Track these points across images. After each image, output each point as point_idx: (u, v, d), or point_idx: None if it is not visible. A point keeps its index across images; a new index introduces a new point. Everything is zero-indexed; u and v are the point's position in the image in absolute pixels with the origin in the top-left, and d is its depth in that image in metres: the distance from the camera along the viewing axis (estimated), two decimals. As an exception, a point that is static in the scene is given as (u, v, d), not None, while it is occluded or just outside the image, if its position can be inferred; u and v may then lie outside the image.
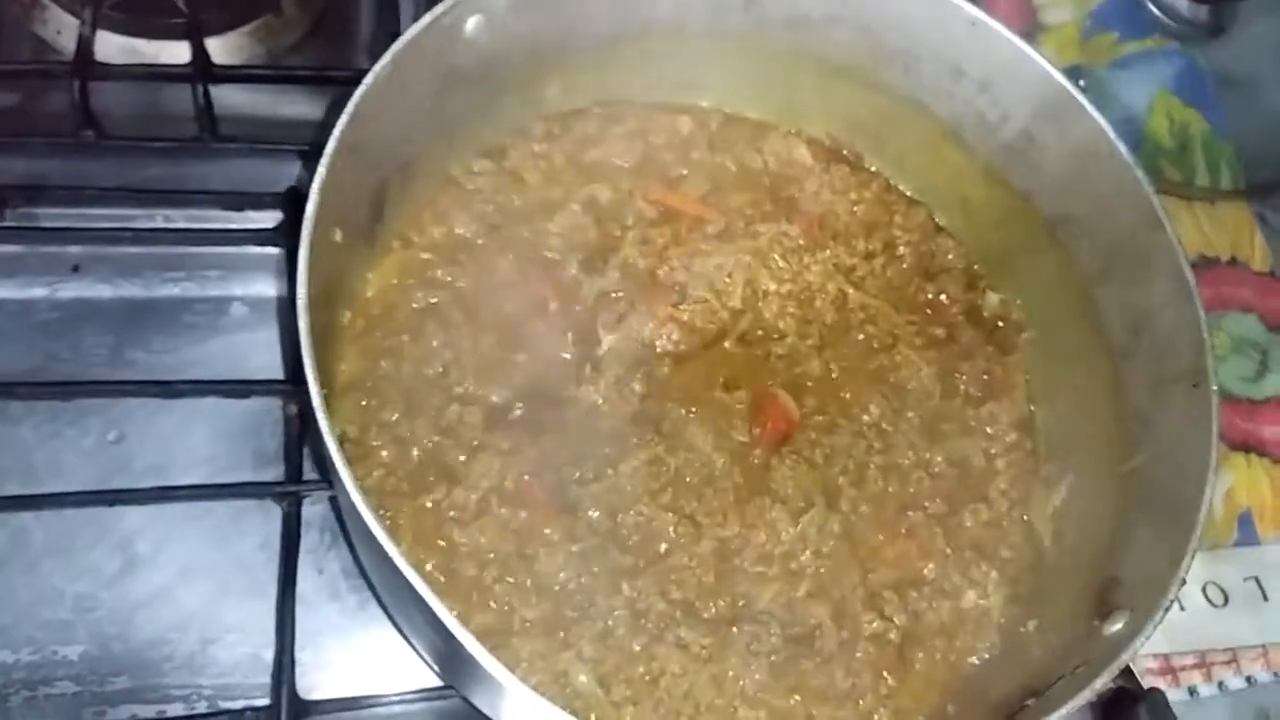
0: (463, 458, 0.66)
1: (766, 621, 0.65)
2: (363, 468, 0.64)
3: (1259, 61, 1.11)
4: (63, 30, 0.85)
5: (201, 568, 0.69)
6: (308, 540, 0.70)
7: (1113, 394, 0.71)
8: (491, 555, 0.64)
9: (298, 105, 0.84)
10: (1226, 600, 0.83)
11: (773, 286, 0.77)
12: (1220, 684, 0.80)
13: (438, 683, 0.67)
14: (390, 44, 0.62)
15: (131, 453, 0.72)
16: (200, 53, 0.82)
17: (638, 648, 0.63)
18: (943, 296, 0.80)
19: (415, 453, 0.66)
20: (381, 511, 0.63)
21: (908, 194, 0.84)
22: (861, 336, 0.77)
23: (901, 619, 0.67)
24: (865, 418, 0.73)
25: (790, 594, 0.67)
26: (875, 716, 0.65)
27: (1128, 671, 0.57)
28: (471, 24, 0.66)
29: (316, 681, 0.67)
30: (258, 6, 0.89)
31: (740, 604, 0.66)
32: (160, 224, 0.78)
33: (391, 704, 0.66)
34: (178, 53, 0.83)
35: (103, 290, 0.76)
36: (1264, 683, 0.81)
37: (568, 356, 0.71)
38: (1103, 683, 0.54)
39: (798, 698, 0.64)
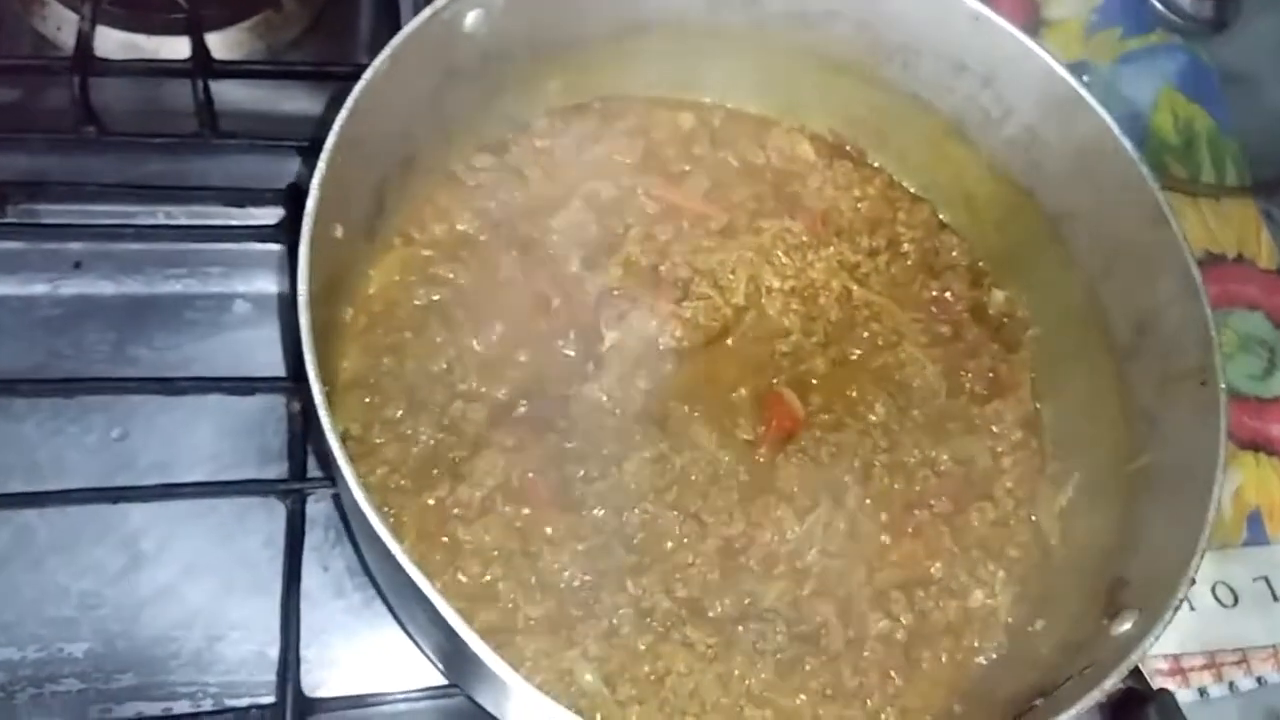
0: (466, 455, 0.66)
1: (772, 620, 0.65)
2: (366, 465, 0.64)
3: (1263, 57, 1.10)
4: (63, 26, 0.85)
5: (206, 565, 0.69)
6: (312, 537, 0.70)
7: (1119, 392, 0.70)
8: (496, 553, 0.63)
9: (298, 101, 0.84)
10: (1236, 600, 0.82)
11: (776, 283, 0.77)
12: (1231, 684, 0.80)
13: (443, 681, 0.67)
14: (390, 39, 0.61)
15: (135, 450, 0.72)
16: (200, 48, 0.82)
17: (643, 646, 0.63)
18: (947, 294, 0.80)
19: (418, 450, 0.66)
20: (385, 509, 0.63)
21: (911, 190, 0.84)
22: (866, 334, 0.77)
23: (908, 618, 0.67)
24: (870, 416, 0.73)
25: (796, 593, 0.66)
26: (882, 716, 0.65)
27: (1137, 672, 0.57)
28: (471, 18, 0.65)
29: (321, 679, 0.67)
30: (258, 2, 0.89)
31: (746, 602, 0.66)
32: (162, 220, 0.79)
33: (396, 702, 0.66)
34: (178, 48, 0.83)
35: (105, 287, 0.76)
36: (1274, 683, 0.80)
37: (570, 354, 0.71)
38: (1112, 683, 0.54)
39: (804, 697, 0.64)
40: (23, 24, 0.87)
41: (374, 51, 0.61)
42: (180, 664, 0.67)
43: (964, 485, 0.72)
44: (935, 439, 0.73)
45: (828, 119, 0.83)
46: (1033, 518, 0.72)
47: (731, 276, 0.76)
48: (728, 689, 0.63)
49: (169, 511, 0.70)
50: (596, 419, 0.69)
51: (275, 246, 0.78)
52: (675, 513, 0.66)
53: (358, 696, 0.66)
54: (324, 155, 0.57)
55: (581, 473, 0.67)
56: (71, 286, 0.76)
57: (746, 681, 0.63)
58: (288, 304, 0.77)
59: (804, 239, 0.79)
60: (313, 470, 0.71)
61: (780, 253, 0.78)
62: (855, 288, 0.78)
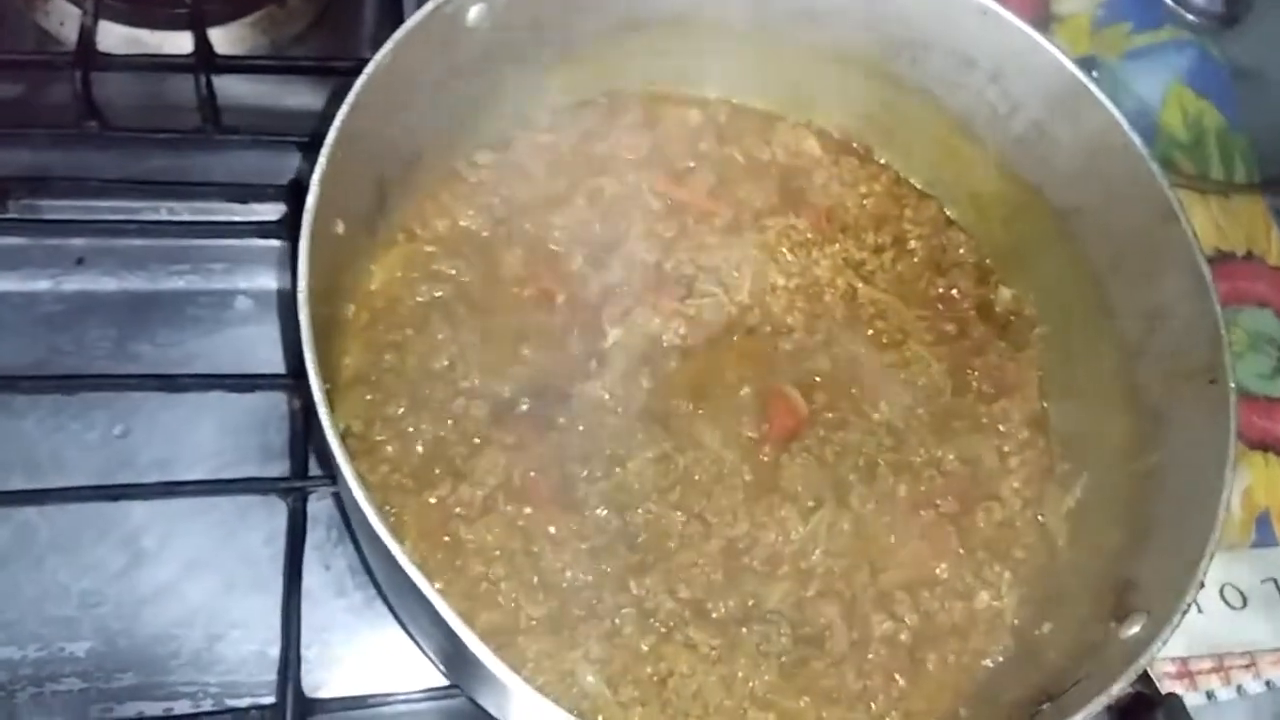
0: (468, 453, 0.65)
1: (776, 621, 0.64)
2: (367, 463, 0.64)
3: (1273, 54, 1.09)
4: (65, 21, 0.85)
5: (207, 563, 0.69)
6: (314, 536, 0.69)
7: (1127, 391, 0.70)
8: (497, 552, 0.63)
9: (301, 96, 0.84)
10: (1245, 602, 0.81)
11: (781, 281, 0.76)
12: (1239, 688, 0.79)
13: (444, 682, 0.66)
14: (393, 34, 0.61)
15: (136, 447, 0.72)
16: (203, 43, 0.82)
17: (646, 647, 0.62)
18: (954, 291, 0.79)
19: (420, 448, 0.65)
20: (386, 507, 0.62)
21: (918, 187, 0.83)
22: (871, 332, 0.76)
23: (913, 620, 0.66)
24: (875, 414, 0.73)
25: (800, 594, 0.66)
26: (886, 719, 0.64)
27: (1145, 676, 0.56)
28: (474, 13, 0.65)
29: (322, 679, 0.67)
30: (261, -3, 0.89)
31: (750, 603, 0.65)
32: (164, 216, 0.78)
33: (397, 703, 0.66)
34: (180, 43, 0.83)
35: (107, 283, 0.76)
36: (1283, 687, 0.80)
37: (574, 351, 0.71)
38: (1120, 687, 0.53)
39: (808, 699, 0.63)
40: (25, 19, 0.86)
41: (377, 47, 0.61)
42: (181, 663, 0.66)
43: (970, 485, 0.72)
44: (941, 438, 0.73)
45: (834, 115, 0.83)
46: (1040, 518, 0.72)
47: (736, 274, 0.75)
48: (731, 691, 0.62)
49: (170, 509, 0.69)
50: (599, 417, 0.68)
51: (277, 242, 0.78)
52: (678, 512, 0.66)
53: (359, 697, 0.66)
54: (325, 150, 0.57)
55: (584, 472, 0.66)
56: (73, 282, 0.76)
57: (750, 683, 0.63)
58: (289, 300, 0.77)
59: (809, 236, 0.78)
60: (314, 468, 0.71)
61: (785, 250, 0.77)
62: (860, 285, 0.78)
